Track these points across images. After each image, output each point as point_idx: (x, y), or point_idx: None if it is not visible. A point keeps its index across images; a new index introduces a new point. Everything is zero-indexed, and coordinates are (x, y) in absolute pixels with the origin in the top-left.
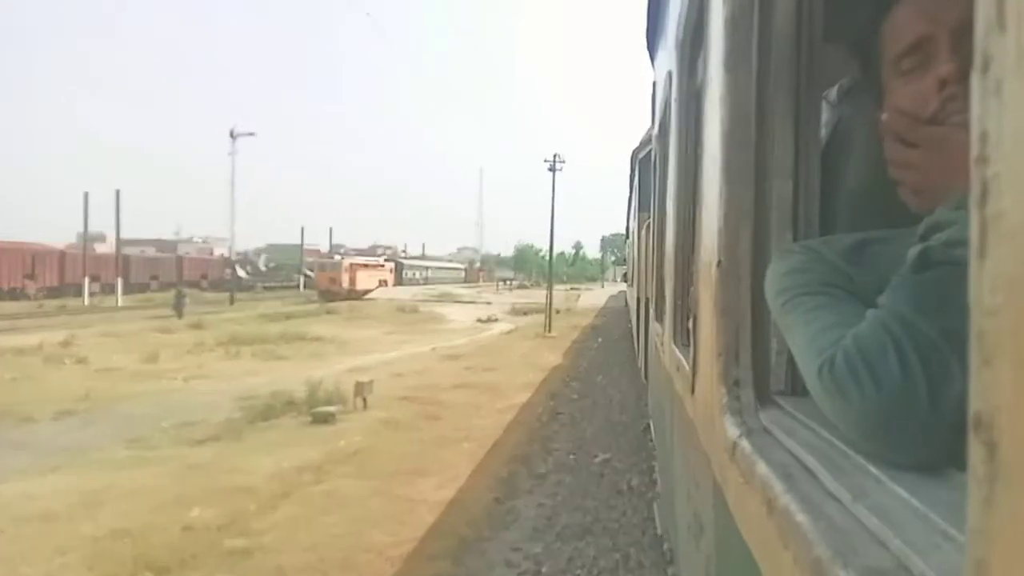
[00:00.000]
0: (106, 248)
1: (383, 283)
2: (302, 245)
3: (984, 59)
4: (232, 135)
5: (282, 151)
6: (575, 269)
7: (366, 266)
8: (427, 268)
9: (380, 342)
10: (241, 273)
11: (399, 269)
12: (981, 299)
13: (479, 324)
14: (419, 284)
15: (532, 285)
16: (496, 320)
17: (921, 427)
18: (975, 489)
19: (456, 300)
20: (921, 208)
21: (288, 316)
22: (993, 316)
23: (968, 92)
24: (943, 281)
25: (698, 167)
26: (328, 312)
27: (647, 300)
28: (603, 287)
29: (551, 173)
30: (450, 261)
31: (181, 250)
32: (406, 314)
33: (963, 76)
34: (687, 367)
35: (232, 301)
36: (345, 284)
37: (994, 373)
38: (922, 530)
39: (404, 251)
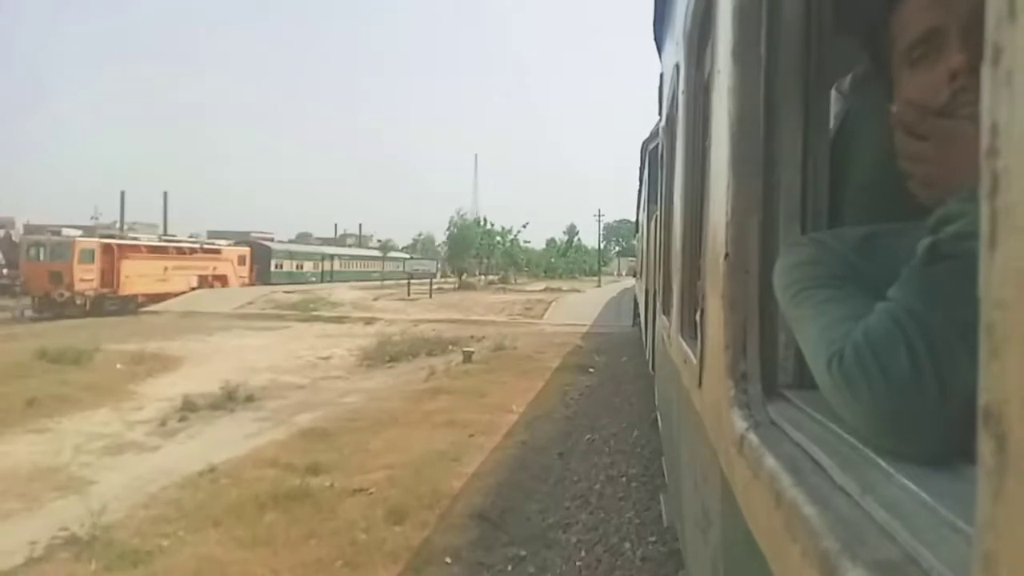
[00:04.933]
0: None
1: (210, 281)
2: (111, 221)
3: (994, 51)
4: None
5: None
6: (568, 260)
7: (161, 252)
8: (332, 258)
9: None
10: None
11: (264, 258)
12: (990, 291)
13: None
14: (309, 283)
15: (487, 284)
16: (235, 405)
17: (930, 420)
18: (984, 482)
19: (313, 315)
20: (931, 201)
21: None
22: (1002, 308)
23: (979, 84)
24: (953, 274)
25: (706, 159)
26: None
27: (654, 292)
28: (600, 286)
29: None
30: (372, 250)
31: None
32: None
33: (974, 68)
34: (694, 360)
35: None
36: (87, 284)
37: (1003, 365)
38: (931, 523)
39: (379, 241)
